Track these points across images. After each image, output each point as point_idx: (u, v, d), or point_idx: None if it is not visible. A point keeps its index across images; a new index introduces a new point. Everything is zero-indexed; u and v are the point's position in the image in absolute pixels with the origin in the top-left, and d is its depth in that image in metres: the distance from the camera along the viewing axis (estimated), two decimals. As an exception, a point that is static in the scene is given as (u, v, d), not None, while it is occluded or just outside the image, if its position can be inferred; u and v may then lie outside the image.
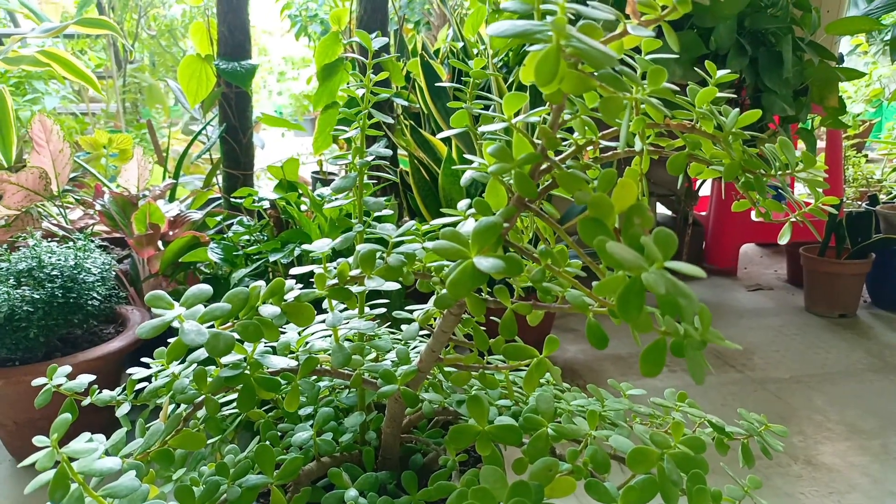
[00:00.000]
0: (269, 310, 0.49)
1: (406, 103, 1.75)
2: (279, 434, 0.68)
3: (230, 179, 1.81)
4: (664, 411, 0.68)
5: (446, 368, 0.68)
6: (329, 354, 0.60)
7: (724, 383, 1.53)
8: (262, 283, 0.51)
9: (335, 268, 0.52)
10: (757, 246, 2.91)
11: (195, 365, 0.61)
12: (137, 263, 1.46)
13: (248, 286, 0.91)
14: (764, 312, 2.04)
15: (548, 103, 0.44)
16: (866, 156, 3.49)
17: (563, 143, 0.50)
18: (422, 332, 0.71)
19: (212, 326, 0.50)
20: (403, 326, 0.73)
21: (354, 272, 0.52)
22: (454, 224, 0.52)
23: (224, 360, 0.58)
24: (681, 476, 0.49)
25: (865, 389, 1.49)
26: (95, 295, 1.18)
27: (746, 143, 0.55)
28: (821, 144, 2.49)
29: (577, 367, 1.60)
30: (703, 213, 2.68)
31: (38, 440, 0.45)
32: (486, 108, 0.61)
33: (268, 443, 0.60)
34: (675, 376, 1.55)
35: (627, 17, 0.39)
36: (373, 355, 0.68)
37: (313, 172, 2.98)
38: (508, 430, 0.53)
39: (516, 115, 0.47)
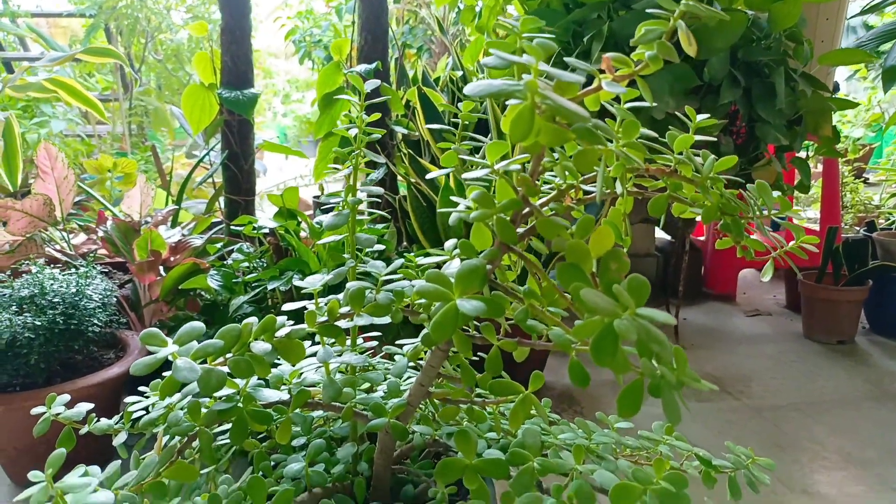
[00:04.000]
0: (260, 346, 0.51)
1: (405, 131, 1.77)
2: (272, 464, 0.69)
3: (232, 205, 1.84)
4: (653, 444, 0.69)
5: (436, 401, 0.69)
6: (321, 387, 0.61)
7: (722, 410, 1.53)
8: (254, 319, 0.53)
9: (326, 304, 0.54)
10: (756, 271, 2.92)
11: (189, 398, 0.63)
12: (139, 289, 1.48)
13: (246, 313, 0.92)
14: (762, 339, 2.04)
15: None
16: (866, 179, 3.51)
17: (546, 187, 0.51)
18: (412, 365, 0.72)
19: (205, 362, 0.51)
20: (397, 357, 0.74)
21: (344, 309, 0.53)
22: (440, 265, 0.53)
23: (218, 393, 0.60)
24: (662, 512, 0.50)
25: (863, 418, 1.49)
26: (96, 321, 1.20)
27: (740, 174, 0.57)
28: (820, 168, 2.51)
29: (575, 394, 1.61)
30: (702, 238, 2.69)
31: (33, 475, 0.46)
32: (475, 150, 0.63)
33: (261, 474, 0.61)
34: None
35: (602, 71, 0.41)
36: (366, 386, 0.70)
37: (314, 197, 3.01)
38: (495, 464, 0.55)
39: (500, 160, 0.49)
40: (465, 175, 0.46)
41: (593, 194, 0.54)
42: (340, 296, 0.55)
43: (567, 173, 0.49)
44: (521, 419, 0.54)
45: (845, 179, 2.84)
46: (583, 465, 0.57)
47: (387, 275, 0.55)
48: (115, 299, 1.30)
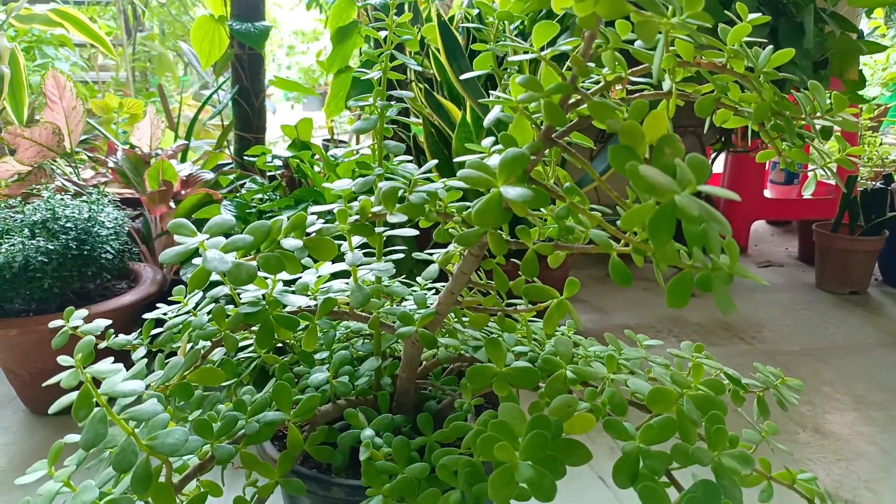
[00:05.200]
0: (291, 243, 0.49)
1: (420, 67, 1.73)
2: (295, 377, 0.68)
3: (242, 142, 1.81)
4: (679, 365, 0.68)
5: (464, 316, 0.68)
6: (348, 295, 0.60)
7: (734, 354, 1.53)
8: (283, 217, 0.51)
9: (357, 205, 0.52)
10: (768, 224, 2.90)
11: (213, 304, 0.62)
12: (150, 222, 1.46)
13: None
14: (774, 288, 2.03)
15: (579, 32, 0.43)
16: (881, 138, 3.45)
17: (591, 80, 0.49)
18: (432, 292, 0.71)
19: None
20: (419, 279, 0.73)
21: (377, 208, 0.51)
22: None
23: (243, 297, 0.59)
24: (700, 417, 0.49)
25: (874, 364, 1.48)
26: (109, 248, 1.18)
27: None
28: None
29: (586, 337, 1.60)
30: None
31: (62, 359, 0.45)
32: (501, 63, 0.60)
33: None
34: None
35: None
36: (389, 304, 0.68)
37: (324, 140, 2.97)
38: (526, 372, 0.54)
39: (545, 47, 0.46)
40: (510, 57, 0.44)
41: (637, 95, 0.51)
42: (372, 198, 0.54)
43: (616, 64, 0.46)
44: (556, 323, 0.53)
45: (863, 133, 2.79)
46: (615, 375, 0.56)
47: (420, 174, 0.53)
48: (126, 229, 1.28)
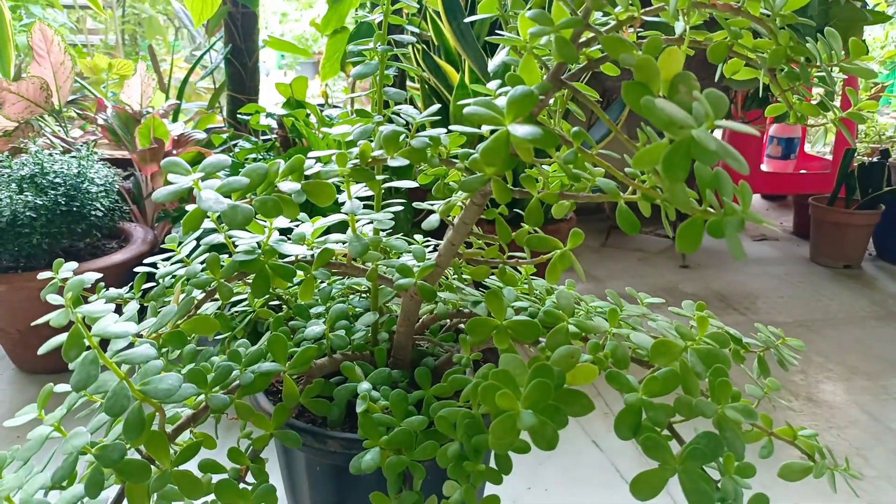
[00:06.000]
0: (288, 185, 0.48)
1: (417, 29, 1.69)
2: (290, 332, 0.67)
3: (234, 103, 1.77)
4: (684, 320, 0.68)
5: (464, 274, 0.66)
6: (345, 246, 0.59)
7: (728, 325, 1.53)
8: (280, 161, 0.49)
9: (357, 149, 0.50)
10: (763, 199, 2.89)
11: (208, 253, 0.60)
12: (140, 182, 1.44)
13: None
14: (769, 261, 2.03)
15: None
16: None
17: (600, 22, 0.47)
18: (430, 248, 0.70)
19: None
20: (417, 237, 0.71)
21: (377, 152, 0.50)
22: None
23: (238, 246, 0.57)
24: (704, 370, 0.48)
25: (867, 335, 1.49)
26: (99, 206, 1.16)
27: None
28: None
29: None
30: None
31: (52, 298, 0.44)
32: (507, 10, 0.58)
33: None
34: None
35: None
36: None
37: (318, 105, 2.92)
38: (527, 325, 0.53)
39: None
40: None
41: (648, 38, 0.49)
42: (373, 143, 0.52)
43: (630, 3, 0.45)
44: (559, 274, 0.51)
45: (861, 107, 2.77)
46: (618, 330, 0.55)
47: (424, 118, 0.52)
48: (117, 188, 1.26)
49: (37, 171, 1.09)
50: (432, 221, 0.58)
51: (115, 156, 1.67)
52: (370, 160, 0.50)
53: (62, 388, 0.51)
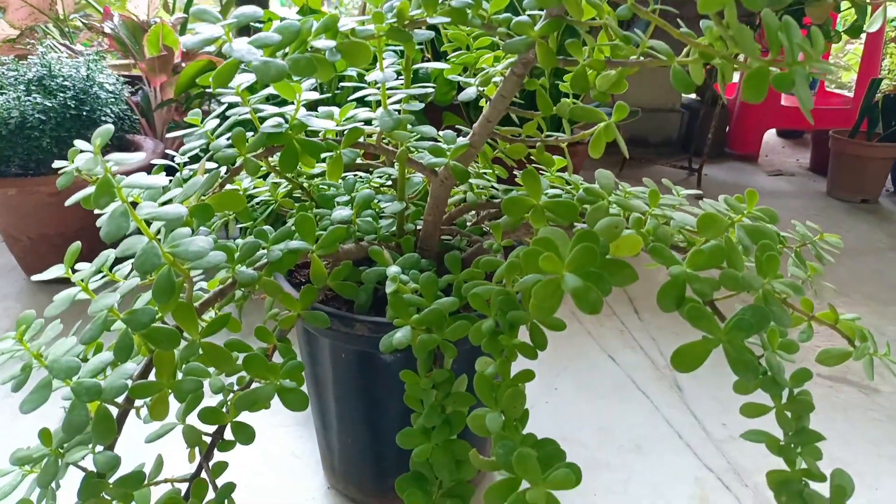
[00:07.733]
0: (322, 43, 0.45)
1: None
2: (315, 218, 0.65)
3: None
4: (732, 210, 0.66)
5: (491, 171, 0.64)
6: (375, 125, 0.56)
7: (742, 253, 1.52)
8: (312, 19, 0.47)
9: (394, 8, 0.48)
10: (779, 136, 2.84)
11: (233, 129, 0.58)
12: (149, 94, 1.40)
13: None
14: (784, 195, 2.00)
15: None
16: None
17: None
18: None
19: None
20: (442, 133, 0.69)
21: (415, 11, 0.47)
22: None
23: (265, 122, 0.55)
24: (751, 244, 0.47)
25: (884, 266, 1.48)
26: (108, 112, 1.13)
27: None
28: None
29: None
30: (730, 98, 2.58)
31: (79, 143, 0.42)
32: None
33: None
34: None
35: None
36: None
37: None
38: (565, 206, 0.51)
39: None
40: None
41: None
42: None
43: None
44: (603, 146, 0.49)
45: (887, 43, 2.69)
46: (658, 211, 0.53)
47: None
48: (125, 97, 1.22)
49: (45, 73, 1.06)
50: (469, 94, 0.55)
51: (122, 73, 1.63)
52: (408, 20, 0.47)
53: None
